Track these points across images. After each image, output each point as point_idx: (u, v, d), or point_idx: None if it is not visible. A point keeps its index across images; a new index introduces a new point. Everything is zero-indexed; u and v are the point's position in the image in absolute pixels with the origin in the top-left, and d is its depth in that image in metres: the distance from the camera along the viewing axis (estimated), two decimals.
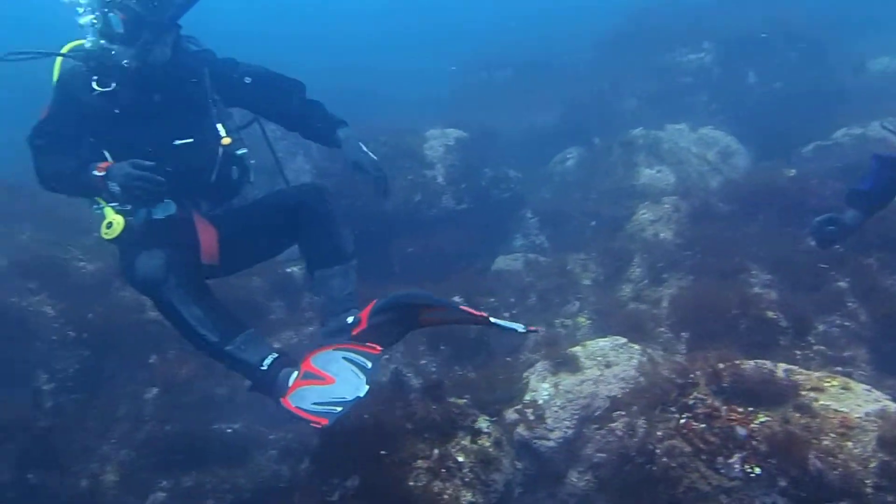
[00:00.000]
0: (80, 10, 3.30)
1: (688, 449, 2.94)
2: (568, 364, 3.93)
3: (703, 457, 2.88)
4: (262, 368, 3.03)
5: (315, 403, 2.84)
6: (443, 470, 3.21)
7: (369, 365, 2.94)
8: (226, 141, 3.35)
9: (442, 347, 4.87)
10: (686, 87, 9.33)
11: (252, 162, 3.58)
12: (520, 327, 3.12)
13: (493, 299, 5.45)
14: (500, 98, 10.50)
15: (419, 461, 3.21)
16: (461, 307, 3.04)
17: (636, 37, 10.75)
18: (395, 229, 6.39)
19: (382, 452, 3.21)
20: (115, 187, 3.04)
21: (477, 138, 7.50)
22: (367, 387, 2.85)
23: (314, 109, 3.60)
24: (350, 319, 3.15)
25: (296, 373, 3.01)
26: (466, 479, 3.20)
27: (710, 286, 4.62)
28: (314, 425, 2.79)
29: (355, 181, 3.64)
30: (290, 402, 2.90)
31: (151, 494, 3.85)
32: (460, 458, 3.27)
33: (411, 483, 3.14)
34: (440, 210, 6.72)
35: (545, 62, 11.51)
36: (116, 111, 3.26)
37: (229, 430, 4.26)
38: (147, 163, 3.04)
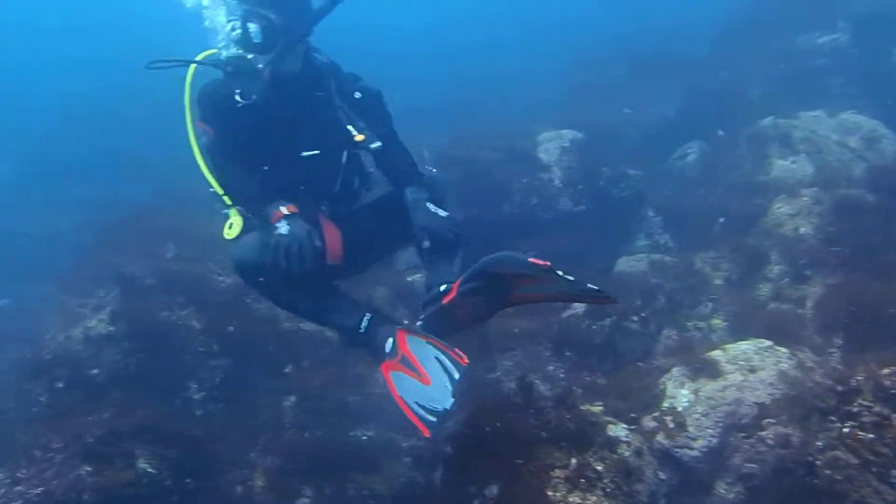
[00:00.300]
0: (217, 20, 3.44)
1: (854, 461, 2.71)
2: (707, 369, 3.76)
3: (874, 469, 2.65)
4: (361, 332, 3.32)
5: (417, 403, 2.97)
6: (582, 480, 3.11)
7: (457, 375, 2.99)
8: (359, 137, 3.44)
9: (567, 353, 4.77)
10: (817, 71, 8.63)
11: (371, 171, 3.67)
12: (592, 287, 2.99)
13: (618, 302, 5.27)
14: (613, 94, 10.19)
15: (556, 470, 3.13)
16: (529, 259, 2.96)
17: (756, 22, 10.10)
18: (513, 234, 6.34)
19: (519, 461, 3.17)
20: (283, 228, 3.15)
21: (592, 137, 7.31)
22: (453, 399, 2.95)
23: (396, 151, 3.57)
24: (442, 288, 3.21)
25: (391, 339, 3.18)
26: (608, 490, 3.09)
27: (864, 283, 4.25)
28: (419, 433, 2.93)
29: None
30: (396, 389, 3.05)
31: (297, 500, 3.99)
32: (599, 468, 3.16)
33: (550, 493, 3.06)
34: (557, 213, 6.62)
35: (660, 53, 11.04)
36: (254, 123, 3.38)
37: (364, 438, 4.37)
38: (318, 244, 3.25)
